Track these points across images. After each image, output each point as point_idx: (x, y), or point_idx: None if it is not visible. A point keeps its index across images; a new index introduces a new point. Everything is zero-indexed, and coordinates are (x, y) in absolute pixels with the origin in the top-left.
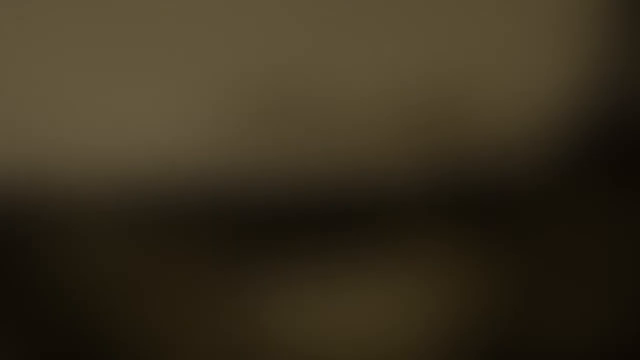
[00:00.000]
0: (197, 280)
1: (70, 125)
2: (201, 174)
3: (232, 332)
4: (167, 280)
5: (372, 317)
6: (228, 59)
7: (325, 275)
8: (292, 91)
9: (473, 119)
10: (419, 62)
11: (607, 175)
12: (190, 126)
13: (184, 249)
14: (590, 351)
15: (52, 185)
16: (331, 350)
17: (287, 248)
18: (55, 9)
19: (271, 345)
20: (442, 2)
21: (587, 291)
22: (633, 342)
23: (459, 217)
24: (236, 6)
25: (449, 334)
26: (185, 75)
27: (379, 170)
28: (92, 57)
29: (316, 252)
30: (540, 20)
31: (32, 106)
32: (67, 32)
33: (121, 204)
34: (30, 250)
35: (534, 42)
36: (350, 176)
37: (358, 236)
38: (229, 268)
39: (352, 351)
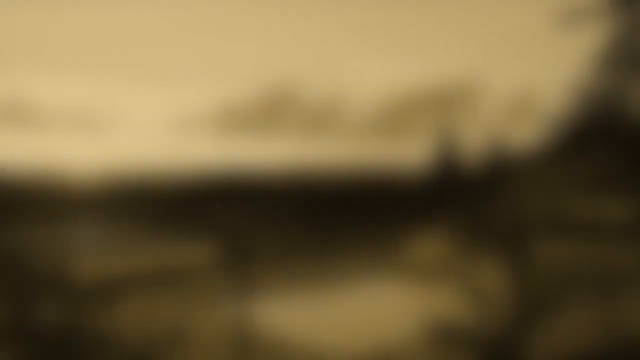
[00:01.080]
0: (196, 278)
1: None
2: (201, 171)
3: (230, 328)
4: (166, 278)
5: (370, 316)
6: (229, 61)
7: (324, 272)
8: (293, 90)
9: (473, 117)
10: (418, 60)
11: (606, 174)
12: (192, 124)
13: (184, 245)
14: (590, 350)
15: (53, 180)
16: (329, 348)
17: (286, 245)
18: (62, 14)
19: (268, 342)
20: (441, 3)
21: (587, 290)
22: (634, 340)
23: (460, 217)
24: (236, 11)
25: (449, 331)
26: (185, 75)
27: (379, 169)
28: (95, 61)
29: (316, 249)
30: (540, 18)
31: (35, 107)
32: (72, 35)
33: (123, 201)
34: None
35: (533, 39)
36: (351, 175)
37: (357, 234)
38: (228, 267)
39: (350, 348)
